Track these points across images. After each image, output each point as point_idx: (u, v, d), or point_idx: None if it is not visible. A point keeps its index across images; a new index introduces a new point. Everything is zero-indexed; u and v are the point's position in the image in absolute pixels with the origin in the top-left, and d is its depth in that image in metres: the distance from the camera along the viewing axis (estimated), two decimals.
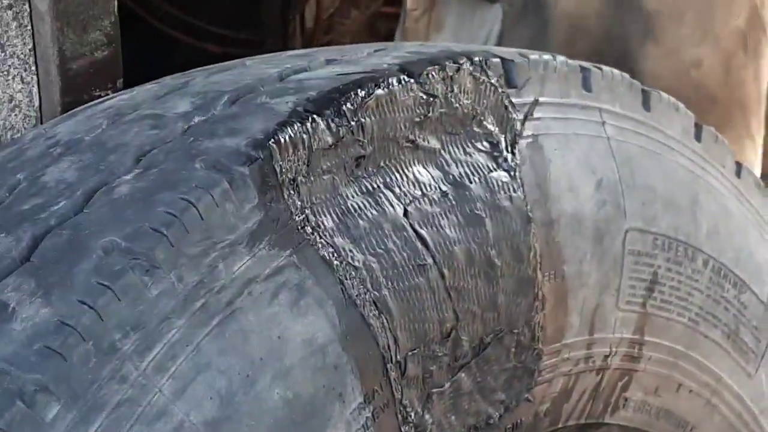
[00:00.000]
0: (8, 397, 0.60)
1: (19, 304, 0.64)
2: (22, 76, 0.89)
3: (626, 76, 1.00)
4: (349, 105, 0.76)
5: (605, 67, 0.97)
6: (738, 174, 1.10)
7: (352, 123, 0.76)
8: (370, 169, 0.77)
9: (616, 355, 0.96)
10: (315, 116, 0.74)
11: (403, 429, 0.78)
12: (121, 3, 0.94)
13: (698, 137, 1.05)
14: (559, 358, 0.91)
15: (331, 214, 0.74)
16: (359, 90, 0.77)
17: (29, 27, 0.89)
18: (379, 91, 0.78)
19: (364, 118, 0.77)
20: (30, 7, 0.88)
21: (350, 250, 0.74)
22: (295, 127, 0.73)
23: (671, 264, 0.99)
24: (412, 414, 0.78)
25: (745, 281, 1.07)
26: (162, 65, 0.91)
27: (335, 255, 0.73)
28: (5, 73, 0.88)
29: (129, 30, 0.95)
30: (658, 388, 1.01)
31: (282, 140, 0.72)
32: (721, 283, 1.04)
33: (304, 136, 0.73)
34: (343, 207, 0.75)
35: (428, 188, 0.80)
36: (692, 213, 1.02)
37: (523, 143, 0.87)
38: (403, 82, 0.80)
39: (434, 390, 0.80)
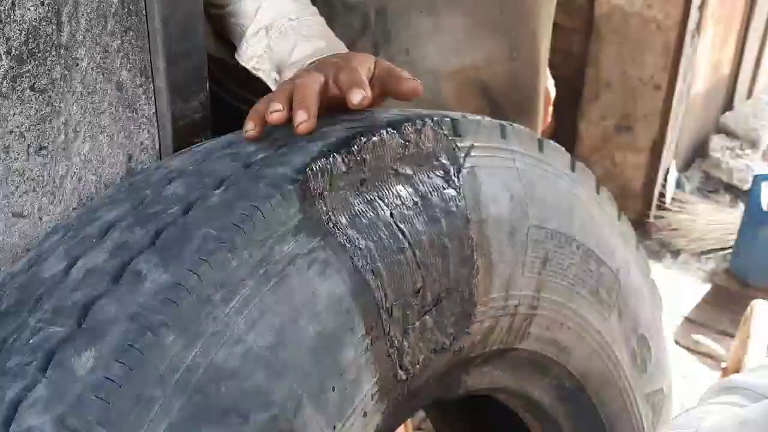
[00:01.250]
0: (142, 329, 0.60)
1: (148, 271, 0.63)
2: (148, 130, 0.88)
3: (528, 129, 0.99)
4: (355, 147, 0.76)
5: (515, 124, 0.96)
6: (597, 191, 1.09)
7: (357, 158, 0.76)
8: (368, 187, 0.76)
9: (522, 305, 0.95)
10: (334, 154, 0.74)
11: (390, 351, 0.77)
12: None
13: (573, 168, 1.03)
14: (487, 307, 0.89)
15: (344, 215, 0.73)
16: (362, 137, 0.77)
17: (153, 98, 0.87)
18: (374, 138, 0.77)
19: (365, 155, 0.76)
20: (153, 85, 0.87)
21: (356, 238, 0.73)
22: (322, 161, 0.73)
23: (556, 248, 0.97)
24: (396, 342, 0.77)
25: (602, 258, 1.05)
26: (228, 124, 0.88)
27: (347, 241, 0.73)
28: (138, 127, 0.86)
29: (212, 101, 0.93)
30: (549, 326, 1.00)
31: (314, 169, 0.72)
32: (587, 260, 1.02)
33: (327, 166, 0.73)
34: (352, 211, 0.74)
35: (405, 199, 0.79)
36: (569, 215, 1.00)
37: (464, 171, 0.86)
38: (389, 132, 0.79)
39: (409, 326, 0.79)
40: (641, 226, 3.12)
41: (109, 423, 0.56)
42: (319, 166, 0.72)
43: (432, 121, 0.83)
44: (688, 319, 2.76)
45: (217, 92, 1.05)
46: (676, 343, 2.63)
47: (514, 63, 1.25)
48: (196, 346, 0.61)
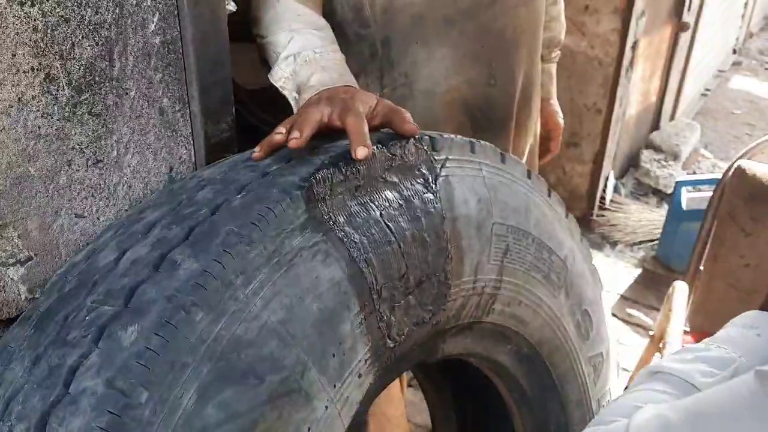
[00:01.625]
0: (176, 308, 0.58)
1: (182, 261, 0.62)
2: (185, 146, 0.86)
3: (492, 145, 0.96)
4: (351, 159, 0.74)
5: (482, 141, 0.94)
6: (549, 195, 1.07)
7: (353, 169, 0.74)
8: (362, 192, 0.74)
9: (487, 286, 0.93)
10: (334, 165, 0.72)
11: (380, 324, 0.75)
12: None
13: (529, 176, 1.02)
14: (458, 288, 0.87)
15: (342, 215, 0.71)
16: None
17: (189, 120, 0.85)
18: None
19: (359, 166, 0.74)
20: (189, 110, 0.85)
21: (352, 233, 0.72)
22: (324, 171, 0.71)
23: (515, 240, 0.95)
24: (384, 317, 0.76)
25: (552, 249, 1.03)
26: (250, 142, 0.86)
27: (345, 236, 0.71)
28: (177, 144, 0.85)
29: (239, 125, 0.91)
30: (510, 303, 0.98)
31: (317, 177, 0.70)
32: (541, 250, 1.01)
33: (328, 175, 0.71)
34: (348, 212, 0.72)
35: (392, 202, 0.77)
36: (526, 214, 0.98)
37: (440, 179, 0.84)
38: (379, 148, 0.77)
39: (395, 304, 0.77)
40: (586, 222, 3.08)
41: (150, 384, 0.55)
42: (321, 176, 0.70)
43: (414, 138, 0.82)
44: (623, 297, 2.72)
45: (243, 114, 1.03)
46: (614, 315, 2.60)
47: (492, 88, 1.23)
48: (221, 322, 0.60)
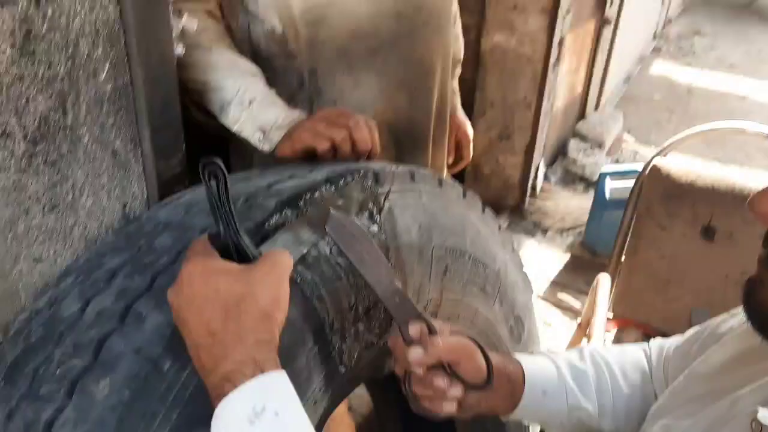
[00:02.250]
0: (145, 360, 0.61)
1: (147, 313, 0.65)
2: (138, 184, 0.88)
3: (430, 172, 1.02)
4: (301, 202, 0.78)
5: (422, 169, 0.99)
6: (483, 211, 1.13)
7: (303, 211, 0.78)
8: (312, 231, 0.78)
9: (429, 305, 0.97)
10: (287, 208, 0.76)
11: (332, 353, 0.79)
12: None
13: (464, 195, 1.08)
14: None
15: (295, 256, 0.75)
16: (306, 193, 0.79)
17: (141, 159, 0.87)
18: (316, 194, 0.80)
19: (308, 208, 0.79)
20: (141, 149, 0.87)
21: (305, 272, 0.75)
22: (276, 216, 0.75)
23: (453, 260, 1.00)
24: (336, 346, 0.80)
25: (487, 263, 1.09)
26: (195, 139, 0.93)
27: (298, 276, 0.75)
28: (130, 183, 0.87)
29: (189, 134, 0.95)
30: (449, 317, 1.03)
31: (270, 222, 0.74)
32: (477, 265, 1.06)
33: (281, 220, 0.75)
34: (300, 252, 0.75)
35: None
36: (462, 234, 1.03)
37: (384, 211, 0.88)
38: (327, 188, 0.82)
39: (346, 332, 0.81)
40: (519, 210, 3.21)
41: None
42: (274, 221, 0.74)
43: (359, 175, 0.87)
44: (553, 282, 2.86)
45: (190, 117, 1.05)
46: (545, 299, 2.74)
47: (413, 111, 1.30)
48: (187, 369, 0.63)
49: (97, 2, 0.76)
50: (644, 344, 0.98)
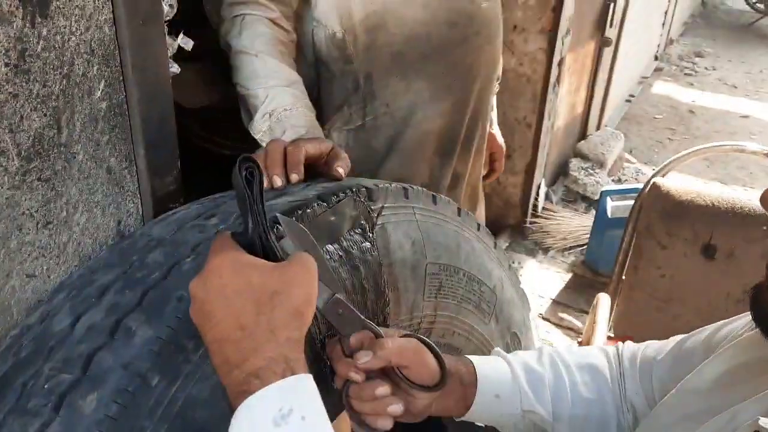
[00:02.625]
0: (134, 375, 0.61)
1: (136, 327, 0.65)
2: (132, 201, 0.88)
3: (425, 189, 1.02)
4: (294, 217, 0.78)
5: (415, 186, 1.00)
6: (478, 229, 1.14)
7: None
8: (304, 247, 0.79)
9: (423, 321, 0.98)
10: (278, 224, 0.77)
11: (325, 370, 0.78)
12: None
13: (459, 214, 1.08)
14: (396, 326, 0.92)
15: None
16: (298, 210, 0.79)
17: (136, 176, 0.88)
18: (308, 210, 0.80)
19: (302, 221, 0.79)
20: (136, 167, 0.88)
21: None
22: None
23: (448, 277, 1.01)
24: (329, 363, 0.78)
25: (482, 280, 1.09)
26: (196, 164, 0.94)
27: None
28: (125, 200, 0.87)
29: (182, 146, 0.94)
30: (444, 334, 1.03)
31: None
32: (471, 282, 1.06)
33: (272, 236, 0.75)
34: None
35: (333, 254, 0.81)
36: (457, 251, 1.03)
37: (377, 228, 0.89)
38: (320, 204, 0.82)
39: None
40: (520, 230, 3.21)
41: None
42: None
43: (352, 192, 0.87)
44: (554, 301, 2.85)
45: (185, 136, 1.07)
46: (546, 319, 2.73)
47: (458, 116, 1.38)
48: (175, 384, 0.63)
49: (93, 22, 0.77)
50: (611, 347, 0.96)
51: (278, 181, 0.87)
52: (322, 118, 1.29)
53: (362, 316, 0.73)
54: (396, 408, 0.75)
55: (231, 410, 0.55)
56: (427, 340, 0.80)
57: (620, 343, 0.96)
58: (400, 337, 0.78)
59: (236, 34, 1.17)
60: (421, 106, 1.31)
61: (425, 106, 1.32)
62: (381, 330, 0.75)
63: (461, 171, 1.50)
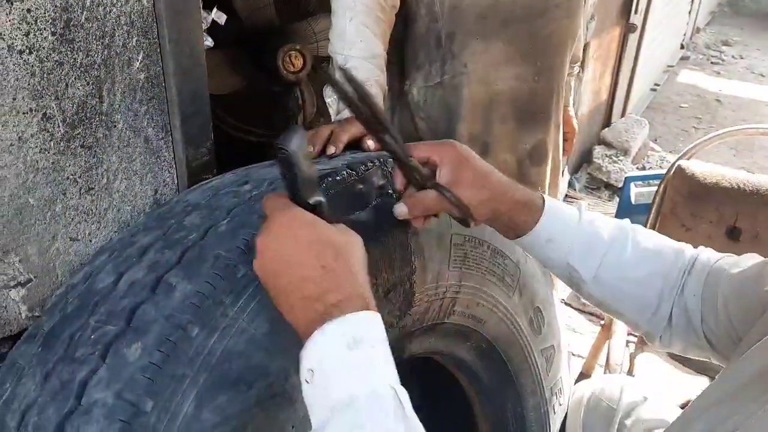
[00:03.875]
0: (175, 326, 0.65)
1: (177, 283, 0.68)
2: (168, 171, 0.92)
3: None
4: (324, 184, 0.81)
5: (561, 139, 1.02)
6: None
7: (328, 192, 0.81)
8: (335, 213, 0.81)
9: (449, 291, 0.99)
10: None
11: None
12: None
13: None
14: (422, 295, 0.94)
15: None
16: (328, 177, 0.82)
17: (172, 147, 0.91)
18: (338, 177, 0.83)
19: (331, 190, 0.82)
20: (172, 137, 0.91)
21: None
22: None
23: (472, 248, 1.02)
24: None
25: (506, 254, 1.10)
26: (226, 149, 0.97)
27: None
28: (161, 169, 0.91)
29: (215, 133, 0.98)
30: (468, 305, 1.05)
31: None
32: (495, 255, 1.07)
33: None
34: None
35: (362, 221, 0.84)
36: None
37: None
38: (348, 172, 0.85)
39: None
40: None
41: (154, 394, 0.62)
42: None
43: (379, 162, 0.89)
44: None
45: (219, 126, 1.11)
46: (568, 305, 2.72)
47: (536, 84, 1.40)
48: (214, 336, 0.66)
49: None
50: (690, 250, 0.91)
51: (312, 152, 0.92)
52: (403, 73, 1.37)
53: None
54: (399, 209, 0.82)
55: (299, 343, 0.61)
56: (455, 194, 0.82)
57: (702, 247, 0.92)
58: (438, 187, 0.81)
59: (207, 43, 1.18)
60: (497, 67, 1.35)
61: (500, 67, 1.36)
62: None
63: (545, 146, 1.50)
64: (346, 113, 1.11)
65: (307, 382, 0.58)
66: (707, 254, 0.90)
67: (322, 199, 0.67)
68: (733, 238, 1.79)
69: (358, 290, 0.61)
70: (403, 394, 0.58)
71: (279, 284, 0.62)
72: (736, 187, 1.80)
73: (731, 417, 0.67)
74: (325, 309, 0.59)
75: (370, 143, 0.97)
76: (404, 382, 0.66)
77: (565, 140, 1.73)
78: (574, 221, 0.88)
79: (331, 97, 1.17)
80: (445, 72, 1.35)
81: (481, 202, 0.82)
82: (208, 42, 0.92)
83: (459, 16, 1.31)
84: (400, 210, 0.82)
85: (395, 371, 0.60)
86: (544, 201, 0.87)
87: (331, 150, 0.93)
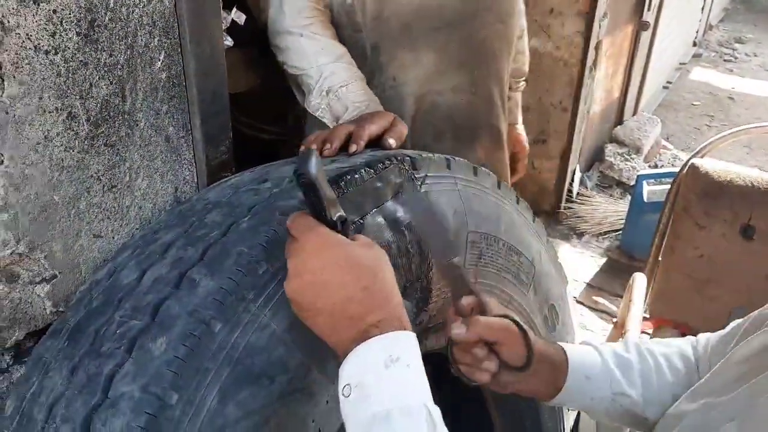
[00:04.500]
0: (198, 322, 0.66)
1: (200, 279, 0.69)
2: (189, 169, 0.93)
3: (465, 160, 1.04)
4: (342, 182, 0.82)
5: (457, 158, 1.02)
6: (518, 201, 1.15)
7: (344, 191, 0.82)
8: (352, 211, 0.81)
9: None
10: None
11: None
12: None
13: (499, 186, 1.09)
14: (439, 291, 0.94)
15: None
16: (347, 175, 0.83)
17: (192, 145, 0.93)
18: (356, 176, 0.83)
19: (349, 188, 0.82)
20: (192, 136, 0.92)
21: None
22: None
23: (487, 246, 1.02)
24: None
25: (521, 251, 1.11)
26: (241, 147, 1.00)
27: None
28: (182, 167, 0.92)
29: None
30: None
31: None
32: (510, 253, 1.08)
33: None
34: (341, 229, 0.79)
35: (379, 219, 0.84)
36: (497, 221, 1.05)
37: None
38: (366, 170, 0.85)
39: None
40: (554, 215, 3.20)
41: (179, 387, 0.63)
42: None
43: (397, 159, 0.90)
44: (589, 285, 2.84)
45: (234, 124, 1.12)
46: (581, 303, 2.72)
47: (473, 96, 1.32)
48: (236, 332, 0.67)
49: None
50: (691, 338, 0.98)
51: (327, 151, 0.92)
52: None
53: (471, 285, 0.83)
54: (491, 365, 0.83)
55: (321, 340, 0.64)
56: (521, 322, 0.84)
57: (695, 337, 0.97)
58: (498, 315, 0.84)
59: (278, 6, 1.17)
60: (431, 80, 1.26)
61: (434, 79, 1.27)
62: (485, 299, 0.84)
63: (487, 167, 1.43)
64: (354, 114, 1.12)
65: (344, 395, 0.60)
66: (702, 339, 0.95)
67: (344, 214, 0.68)
68: (747, 237, 1.78)
69: (396, 310, 0.65)
70: (436, 412, 0.60)
71: (319, 306, 0.64)
72: (750, 185, 1.79)
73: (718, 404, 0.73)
74: (366, 328, 0.62)
75: (391, 141, 0.97)
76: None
77: (516, 161, 1.66)
78: (594, 353, 0.91)
79: (319, 110, 1.15)
80: (375, 86, 1.24)
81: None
82: (228, 42, 0.93)
83: (382, 27, 1.21)
84: (460, 329, 0.82)
85: (428, 389, 0.63)
86: (562, 347, 0.90)
87: (353, 148, 0.93)
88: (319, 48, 1.15)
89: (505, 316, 0.84)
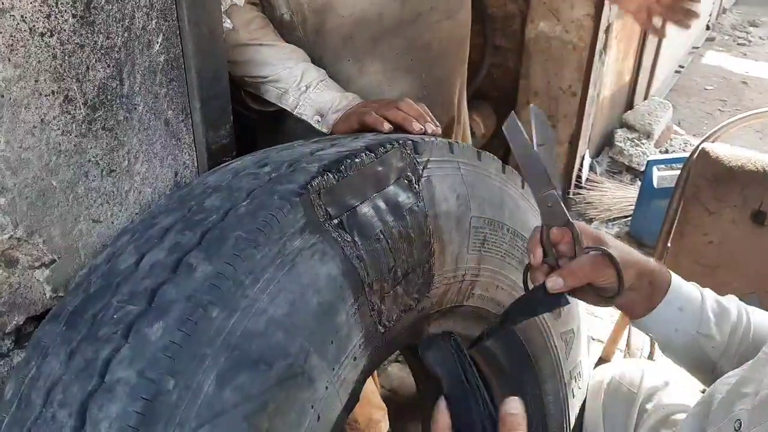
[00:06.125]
0: (195, 307, 0.65)
1: (197, 264, 0.68)
2: (188, 153, 0.92)
3: (469, 144, 1.03)
4: (342, 166, 0.81)
5: (460, 142, 1.01)
6: (522, 186, 1.14)
7: (344, 175, 0.81)
8: (353, 195, 0.81)
9: (467, 274, 0.99)
10: (327, 173, 0.79)
11: (371, 313, 0.82)
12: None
13: (504, 171, 1.08)
14: (441, 278, 0.94)
15: (336, 218, 0.78)
16: (347, 159, 0.82)
17: (191, 129, 0.92)
18: (357, 159, 0.83)
19: (350, 172, 0.82)
20: (192, 120, 0.92)
21: (345, 234, 0.78)
22: (318, 179, 0.78)
23: (491, 231, 1.02)
24: (376, 306, 0.83)
25: (525, 236, 1.09)
26: (242, 128, 1.00)
27: (339, 236, 0.78)
28: (181, 152, 0.91)
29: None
30: (487, 288, 1.04)
31: (313, 185, 0.77)
32: (514, 238, 1.07)
33: (323, 182, 0.78)
34: (342, 214, 0.79)
35: (380, 203, 0.84)
36: (501, 206, 1.04)
37: (423, 179, 0.90)
38: (367, 154, 0.84)
39: (385, 294, 0.84)
40: (563, 201, 3.17)
41: (176, 373, 0.62)
42: (316, 183, 0.77)
43: (398, 143, 0.89)
44: None
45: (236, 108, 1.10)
46: None
47: (424, 99, 1.28)
48: (234, 317, 0.67)
49: None
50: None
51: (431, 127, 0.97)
52: None
53: (568, 215, 0.84)
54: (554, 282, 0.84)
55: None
56: (611, 253, 0.84)
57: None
58: (592, 244, 0.85)
59: (227, 25, 1.11)
60: (378, 90, 1.24)
61: (384, 88, 1.24)
62: (576, 228, 0.85)
63: None
64: (344, 103, 1.10)
65: None
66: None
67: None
68: (758, 222, 1.76)
69: None
70: None
71: None
72: (761, 170, 1.76)
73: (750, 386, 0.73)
74: None
75: (416, 126, 0.97)
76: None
77: None
78: (696, 293, 0.91)
79: (297, 106, 1.12)
80: None
81: (627, 262, 0.85)
82: (227, 24, 0.92)
83: (324, 40, 1.18)
84: (556, 283, 0.83)
85: None
86: (670, 273, 0.91)
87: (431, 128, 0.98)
88: (282, 54, 1.13)
89: (595, 249, 0.85)
